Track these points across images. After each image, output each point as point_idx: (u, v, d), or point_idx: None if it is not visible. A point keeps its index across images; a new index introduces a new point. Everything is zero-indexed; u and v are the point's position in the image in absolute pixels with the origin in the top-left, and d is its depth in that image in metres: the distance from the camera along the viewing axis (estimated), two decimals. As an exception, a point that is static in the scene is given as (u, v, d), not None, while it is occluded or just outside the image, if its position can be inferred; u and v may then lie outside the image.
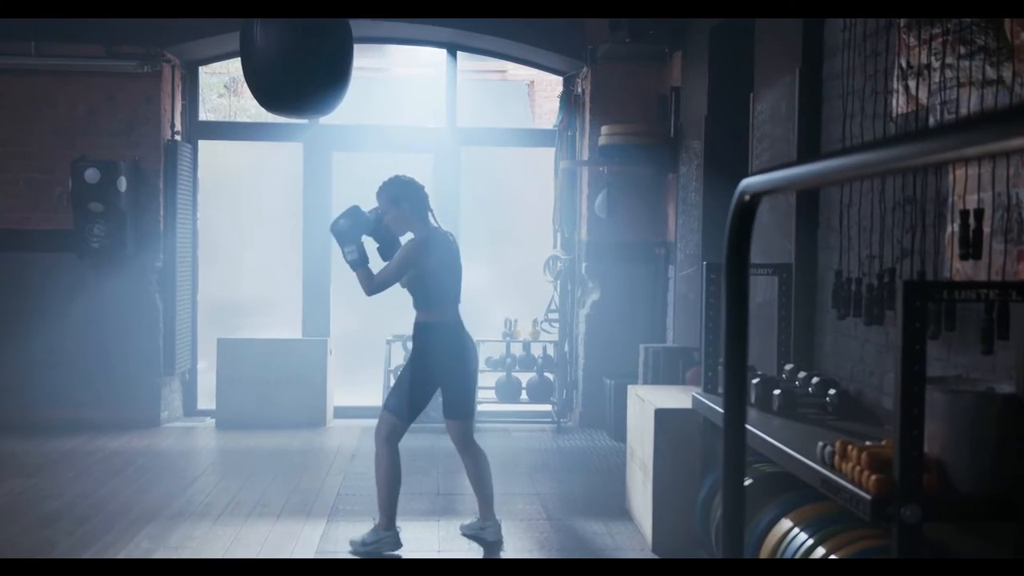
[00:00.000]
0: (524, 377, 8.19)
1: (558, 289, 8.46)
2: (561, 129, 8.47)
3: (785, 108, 5.05)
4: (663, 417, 4.91)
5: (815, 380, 4.31)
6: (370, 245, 4.95)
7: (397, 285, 4.92)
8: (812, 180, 1.73)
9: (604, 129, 7.68)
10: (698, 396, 4.72)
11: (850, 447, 3.05)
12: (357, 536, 4.93)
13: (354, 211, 4.90)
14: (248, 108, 10.88)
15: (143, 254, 7.82)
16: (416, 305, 4.94)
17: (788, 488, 3.88)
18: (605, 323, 8.09)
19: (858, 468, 2.95)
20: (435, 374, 4.89)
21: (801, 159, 1.70)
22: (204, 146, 8.50)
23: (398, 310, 5.74)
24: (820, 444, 3.24)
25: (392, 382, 6.89)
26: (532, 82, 13.45)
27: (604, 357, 8.03)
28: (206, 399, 8.42)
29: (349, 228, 4.84)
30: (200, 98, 8.59)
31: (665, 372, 6.59)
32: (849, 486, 2.95)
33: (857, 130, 4.21)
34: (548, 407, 8.25)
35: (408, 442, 5.48)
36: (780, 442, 3.55)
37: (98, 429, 7.57)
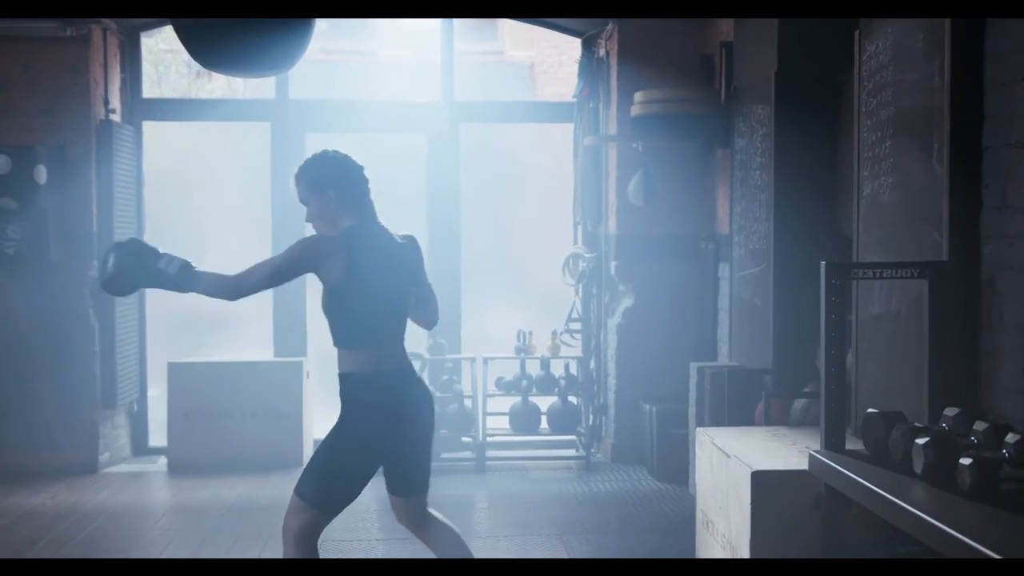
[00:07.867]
0: (543, 402, 6.74)
1: (580, 294, 7.06)
2: (581, 100, 7.01)
3: (923, 42, 3.60)
4: (765, 484, 3.46)
5: (1013, 439, 2.86)
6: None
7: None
8: None
9: (638, 96, 6.21)
10: (817, 455, 3.28)
11: None
12: None
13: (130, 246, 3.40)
14: (216, 91, 9.44)
15: (72, 261, 6.36)
16: (336, 342, 3.39)
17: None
18: (640, 335, 6.64)
19: None
20: (372, 443, 3.33)
21: None
22: (150, 128, 7.04)
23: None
24: None
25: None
26: (532, 64, 12.02)
27: (640, 376, 6.59)
28: (159, 435, 6.98)
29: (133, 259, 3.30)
30: (144, 72, 7.10)
31: (732, 402, 5.14)
32: None
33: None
34: (573, 438, 6.81)
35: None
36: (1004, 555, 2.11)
37: (18, 481, 6.07)
